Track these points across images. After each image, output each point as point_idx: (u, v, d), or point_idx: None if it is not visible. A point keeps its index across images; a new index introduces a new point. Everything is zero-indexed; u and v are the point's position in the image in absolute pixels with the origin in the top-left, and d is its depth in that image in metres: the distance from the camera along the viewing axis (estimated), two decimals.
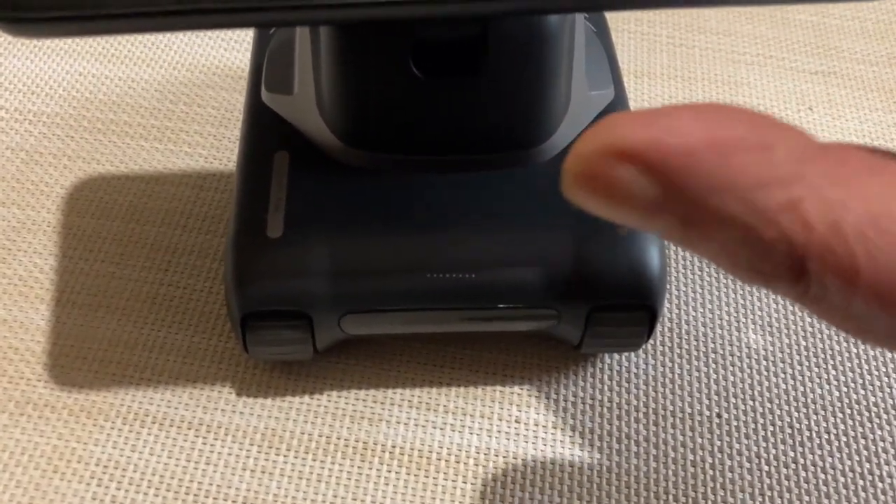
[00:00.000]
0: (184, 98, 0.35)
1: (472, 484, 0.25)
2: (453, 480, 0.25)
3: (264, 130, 0.27)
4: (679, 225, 0.13)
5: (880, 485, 0.25)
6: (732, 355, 0.28)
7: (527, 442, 0.26)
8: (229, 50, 0.37)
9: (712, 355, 0.28)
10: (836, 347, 0.28)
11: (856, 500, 0.25)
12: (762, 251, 0.12)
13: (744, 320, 0.29)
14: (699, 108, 0.13)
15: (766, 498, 0.25)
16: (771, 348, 0.28)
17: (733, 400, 0.27)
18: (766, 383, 0.27)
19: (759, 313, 0.29)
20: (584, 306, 0.25)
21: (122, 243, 0.30)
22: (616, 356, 0.28)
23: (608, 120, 0.13)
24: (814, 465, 0.26)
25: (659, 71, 0.37)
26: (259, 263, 0.24)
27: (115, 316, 0.28)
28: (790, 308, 0.29)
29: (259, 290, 0.24)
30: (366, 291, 0.24)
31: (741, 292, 0.30)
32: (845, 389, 0.27)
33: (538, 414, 0.26)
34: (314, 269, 0.24)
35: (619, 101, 0.28)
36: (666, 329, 0.29)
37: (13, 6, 0.18)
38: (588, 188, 0.13)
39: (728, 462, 0.26)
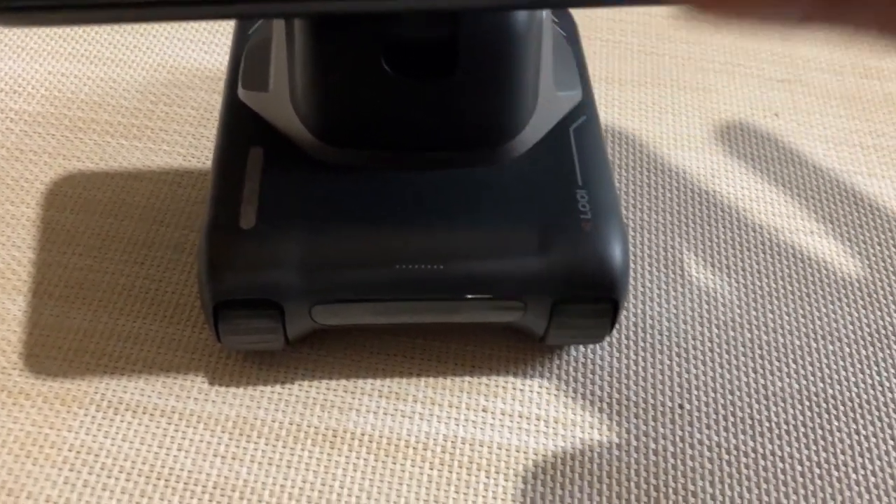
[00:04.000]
0: (164, 99, 0.35)
1: (438, 470, 0.26)
2: (420, 467, 0.26)
3: (240, 126, 0.27)
4: None
5: (836, 473, 0.26)
6: (695, 349, 0.29)
7: (493, 430, 0.26)
8: (209, 53, 0.37)
9: (675, 349, 0.29)
10: (797, 342, 0.29)
11: (812, 489, 0.26)
12: None
13: (707, 315, 0.30)
14: None
15: (726, 486, 0.26)
16: (733, 342, 0.29)
17: (695, 392, 0.28)
18: (727, 376, 0.28)
19: (722, 310, 0.30)
20: (549, 298, 0.25)
21: (100, 238, 0.31)
22: (581, 348, 0.28)
23: None
24: (772, 454, 0.27)
25: (629, 77, 0.38)
26: (231, 253, 0.25)
27: (91, 307, 0.29)
28: (753, 305, 0.30)
29: (231, 279, 0.24)
30: (336, 282, 0.25)
31: (705, 289, 0.30)
32: (805, 382, 0.28)
33: (504, 403, 0.27)
34: (285, 260, 0.24)
35: (586, 102, 0.29)
36: (631, 323, 0.29)
37: None
38: None
39: (689, 451, 0.26)
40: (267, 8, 0.21)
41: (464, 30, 0.24)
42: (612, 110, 0.36)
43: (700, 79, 0.38)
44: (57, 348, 0.28)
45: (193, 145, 0.34)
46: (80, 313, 0.28)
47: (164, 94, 0.36)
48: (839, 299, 0.30)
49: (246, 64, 0.29)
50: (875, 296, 0.31)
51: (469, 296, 0.25)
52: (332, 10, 0.21)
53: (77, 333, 0.28)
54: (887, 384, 0.28)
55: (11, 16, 0.20)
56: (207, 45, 0.38)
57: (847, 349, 0.29)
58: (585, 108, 0.29)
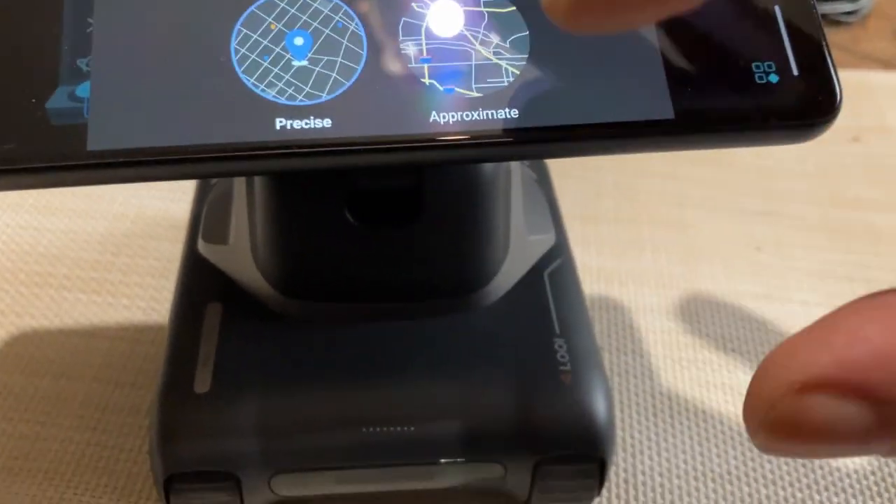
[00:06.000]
0: (125, 250, 0.34)
1: None
2: None
3: (198, 281, 0.26)
4: None
5: None
6: None
7: None
8: (173, 201, 0.36)
9: None
10: (798, 495, 0.27)
11: None
12: None
13: (701, 468, 0.28)
14: (864, 305, 0.12)
15: None
16: (731, 498, 0.27)
17: None
18: None
19: (716, 461, 0.28)
20: (531, 459, 0.24)
21: (51, 402, 0.29)
22: None
23: (779, 352, 0.12)
24: None
25: (605, 214, 0.37)
26: (184, 421, 0.23)
27: (35, 480, 0.26)
28: (749, 455, 0.28)
29: (183, 449, 0.23)
30: (297, 449, 0.23)
31: (698, 439, 0.28)
32: None
33: None
34: (242, 427, 0.23)
35: (560, 245, 0.28)
36: (621, 480, 0.27)
37: None
38: (785, 436, 0.11)
39: None
40: (219, 168, 0.20)
41: (428, 178, 0.23)
42: (588, 249, 0.35)
43: (678, 214, 0.37)
44: None
45: (155, 298, 0.32)
46: (24, 487, 0.26)
47: (125, 244, 0.34)
48: None
49: (207, 216, 0.28)
50: None
51: (443, 459, 0.23)
52: (295, 168, 0.20)
53: None
54: None
55: None
56: (171, 192, 0.37)
57: (853, 501, 0.27)
58: (560, 251, 0.28)
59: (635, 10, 0.14)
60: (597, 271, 0.35)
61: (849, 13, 0.50)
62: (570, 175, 0.39)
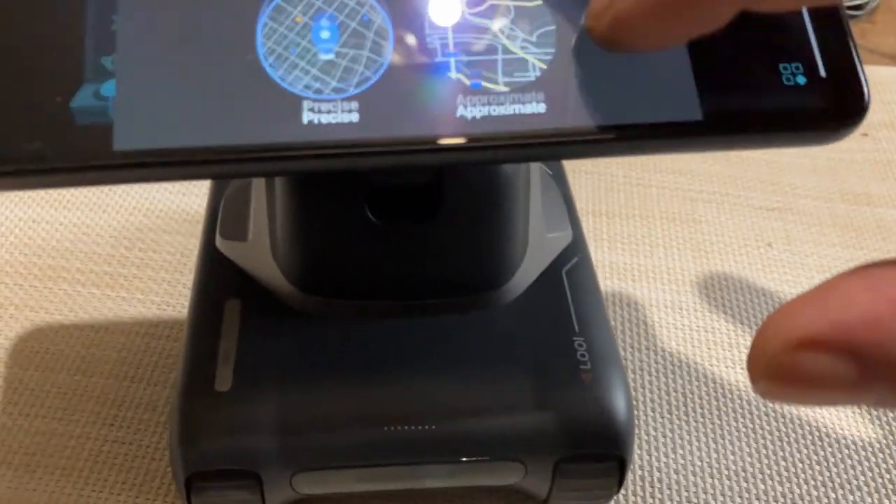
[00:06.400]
0: (139, 244, 0.34)
1: None
2: None
3: (216, 278, 0.26)
4: (892, 390, 0.13)
5: None
6: (707, 503, 0.27)
7: None
8: (187, 195, 0.36)
9: None
10: (814, 493, 0.27)
11: None
12: None
13: (717, 465, 0.28)
14: (859, 274, 0.13)
15: None
16: (746, 495, 0.27)
17: None
18: None
19: (731, 458, 0.28)
20: (551, 458, 0.24)
21: (67, 397, 0.29)
22: None
23: (780, 313, 0.13)
24: None
25: (617, 210, 0.37)
26: (205, 419, 0.23)
27: (53, 476, 0.26)
28: (764, 452, 0.28)
29: (204, 448, 0.23)
30: (318, 448, 0.23)
31: (713, 436, 0.29)
32: None
33: None
34: (263, 425, 0.23)
35: (577, 242, 0.28)
36: (637, 477, 0.27)
37: None
38: (782, 385, 0.13)
39: None
40: (247, 168, 0.20)
41: (448, 175, 0.23)
42: (601, 244, 0.36)
43: (689, 209, 0.38)
44: None
45: (169, 293, 0.32)
46: (42, 484, 0.26)
47: (139, 238, 0.34)
48: (854, 443, 0.29)
49: (224, 211, 0.28)
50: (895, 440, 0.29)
51: (464, 458, 0.23)
52: (315, 168, 0.20)
53: None
54: None
55: None
56: (184, 186, 0.37)
57: (868, 499, 0.27)
58: (577, 248, 0.28)
59: (671, 30, 0.16)
60: (609, 267, 0.35)
61: (856, 7, 0.50)
62: (582, 171, 0.39)
